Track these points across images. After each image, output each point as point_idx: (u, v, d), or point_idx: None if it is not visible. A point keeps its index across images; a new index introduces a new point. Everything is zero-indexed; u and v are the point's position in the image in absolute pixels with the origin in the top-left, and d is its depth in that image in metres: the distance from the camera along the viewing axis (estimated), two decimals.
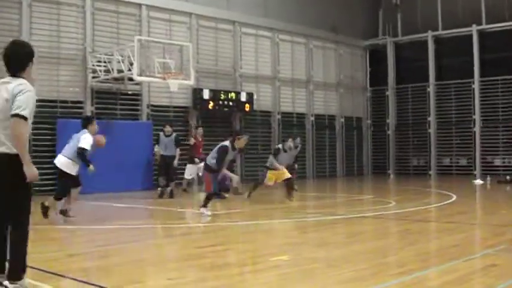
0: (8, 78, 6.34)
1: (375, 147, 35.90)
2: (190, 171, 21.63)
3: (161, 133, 20.24)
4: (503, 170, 30.24)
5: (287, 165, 18.95)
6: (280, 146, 19.33)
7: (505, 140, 31.50)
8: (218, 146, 14.61)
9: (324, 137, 33.00)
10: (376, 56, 35.87)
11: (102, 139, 13.56)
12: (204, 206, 14.47)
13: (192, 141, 21.37)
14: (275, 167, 18.45)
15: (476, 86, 31.84)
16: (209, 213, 14.37)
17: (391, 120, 35.05)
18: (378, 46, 35.77)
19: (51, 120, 21.23)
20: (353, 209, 16.14)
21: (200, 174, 21.56)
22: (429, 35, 33.30)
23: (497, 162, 31.65)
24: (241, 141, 14.74)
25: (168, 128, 20.03)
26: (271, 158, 18.79)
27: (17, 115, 6.04)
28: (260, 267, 8.23)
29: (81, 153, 12.70)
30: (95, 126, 13.12)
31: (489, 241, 10.41)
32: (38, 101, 20.48)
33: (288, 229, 12.54)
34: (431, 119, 33.49)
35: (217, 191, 15.42)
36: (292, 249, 9.82)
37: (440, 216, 15.21)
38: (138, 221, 14.24)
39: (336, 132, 33.80)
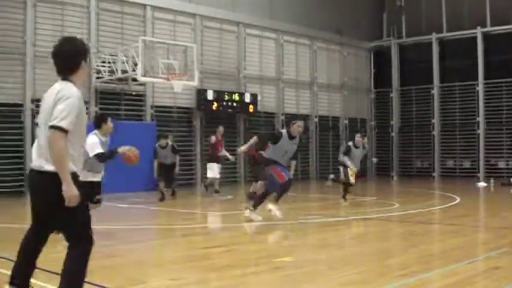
0: (57, 83, 5.62)
1: (379, 148, 35.86)
2: (214, 170, 21.17)
3: (157, 146, 19.74)
4: (507, 173, 30.20)
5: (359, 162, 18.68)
6: (350, 143, 18.70)
7: (508, 143, 31.47)
8: None
9: (327, 138, 33.01)
10: (381, 58, 35.85)
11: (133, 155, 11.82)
12: (275, 202, 13.27)
13: (213, 139, 21.10)
14: (347, 165, 18.23)
15: (480, 89, 31.81)
16: (277, 212, 13.16)
17: (395, 122, 35.03)
18: (382, 48, 35.76)
19: None
20: (356, 211, 16.14)
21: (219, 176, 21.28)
22: (433, 37, 33.27)
23: (501, 164, 31.61)
24: (295, 127, 13.31)
25: (162, 141, 19.63)
26: (341, 156, 18.39)
27: (52, 127, 5.25)
28: (263, 268, 8.23)
29: (100, 158, 10.95)
30: (109, 125, 11.47)
31: (492, 244, 10.40)
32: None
33: (290, 230, 12.54)
34: (435, 121, 33.46)
35: (289, 175, 13.45)
36: (294, 251, 9.82)
37: (443, 218, 15.20)
38: (141, 222, 14.26)
39: (340, 134, 33.80)
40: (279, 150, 13.09)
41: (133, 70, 21.37)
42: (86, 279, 5.75)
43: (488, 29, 31.62)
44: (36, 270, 7.55)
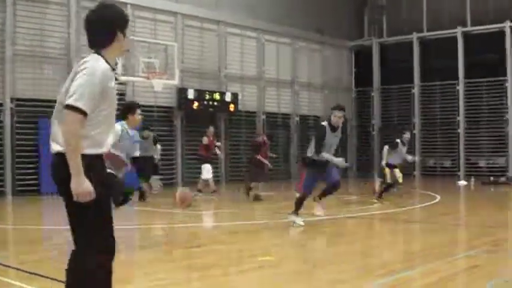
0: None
1: (360, 148, 35.95)
2: (209, 171, 20.73)
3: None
4: (488, 171, 30.39)
5: (402, 161, 18.38)
6: (398, 140, 18.13)
7: (489, 142, 31.66)
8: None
9: (308, 137, 32.95)
10: (362, 57, 35.92)
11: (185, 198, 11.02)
12: (295, 212, 12.45)
13: (205, 140, 20.75)
14: (386, 161, 17.84)
15: (460, 88, 31.99)
16: (301, 222, 12.37)
17: (376, 121, 35.11)
18: (363, 47, 35.84)
19: (34, 120, 21.10)
20: (338, 210, 16.15)
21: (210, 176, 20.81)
22: (414, 36, 33.39)
23: (482, 163, 31.79)
24: (333, 117, 12.21)
25: (147, 132, 19.38)
26: (386, 151, 18.05)
27: (67, 106, 4.41)
28: (246, 267, 8.22)
29: None
30: (136, 116, 10.10)
31: (472, 242, 10.46)
32: (22, 100, 20.03)
33: (273, 230, 12.53)
34: (416, 120, 33.59)
35: (309, 192, 12.51)
36: (278, 250, 9.82)
37: (424, 217, 15.27)
38: (121, 222, 14.19)
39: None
40: (324, 146, 12.07)
41: (113, 69, 21.28)
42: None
43: (469, 28, 31.81)
44: (18, 272, 7.52)
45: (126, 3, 24.43)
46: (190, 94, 26.01)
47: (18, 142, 20.77)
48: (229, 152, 28.05)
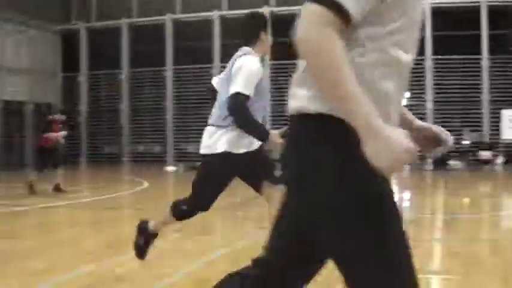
0: None
1: (68, 134, 35.20)
2: None
3: None
4: (195, 157, 31.23)
5: None
6: None
7: (198, 128, 32.63)
8: None
9: (13, 124, 31.67)
10: (70, 41, 35.17)
11: None
12: None
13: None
14: None
15: (169, 75, 32.59)
16: None
17: (83, 107, 34.59)
18: (71, 31, 35.09)
19: None
20: (44, 199, 15.66)
21: None
22: (123, 22, 33.37)
23: (191, 149, 32.56)
24: None
25: None
26: None
27: None
28: None
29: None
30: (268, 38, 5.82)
31: (178, 225, 10.66)
32: None
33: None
34: (124, 106, 33.61)
35: None
36: None
37: (131, 202, 15.40)
38: None
39: (26, 119, 32.59)
40: None
41: None
42: None
43: (179, 15, 32.55)
44: None
45: None
46: None
47: None
48: None
